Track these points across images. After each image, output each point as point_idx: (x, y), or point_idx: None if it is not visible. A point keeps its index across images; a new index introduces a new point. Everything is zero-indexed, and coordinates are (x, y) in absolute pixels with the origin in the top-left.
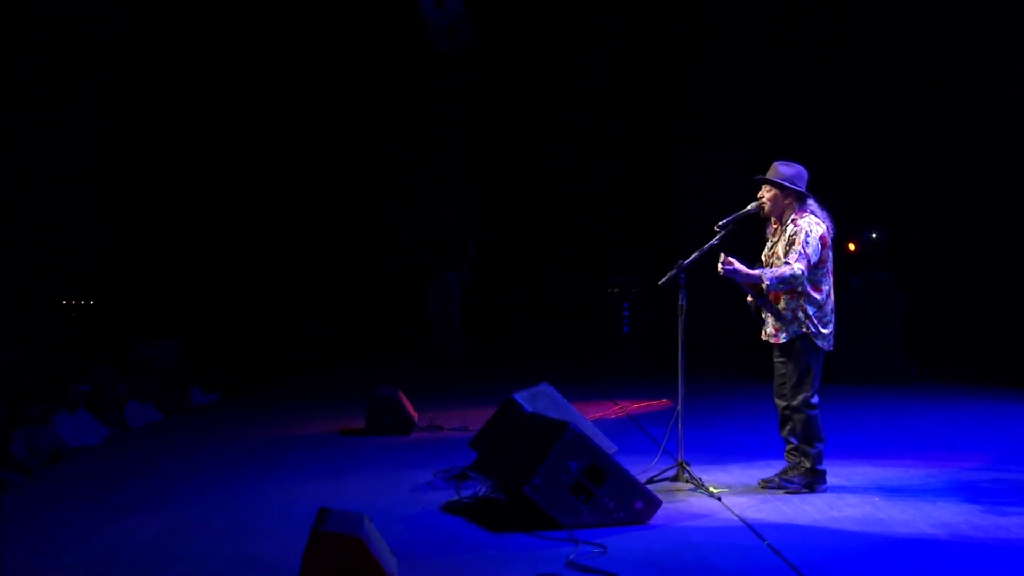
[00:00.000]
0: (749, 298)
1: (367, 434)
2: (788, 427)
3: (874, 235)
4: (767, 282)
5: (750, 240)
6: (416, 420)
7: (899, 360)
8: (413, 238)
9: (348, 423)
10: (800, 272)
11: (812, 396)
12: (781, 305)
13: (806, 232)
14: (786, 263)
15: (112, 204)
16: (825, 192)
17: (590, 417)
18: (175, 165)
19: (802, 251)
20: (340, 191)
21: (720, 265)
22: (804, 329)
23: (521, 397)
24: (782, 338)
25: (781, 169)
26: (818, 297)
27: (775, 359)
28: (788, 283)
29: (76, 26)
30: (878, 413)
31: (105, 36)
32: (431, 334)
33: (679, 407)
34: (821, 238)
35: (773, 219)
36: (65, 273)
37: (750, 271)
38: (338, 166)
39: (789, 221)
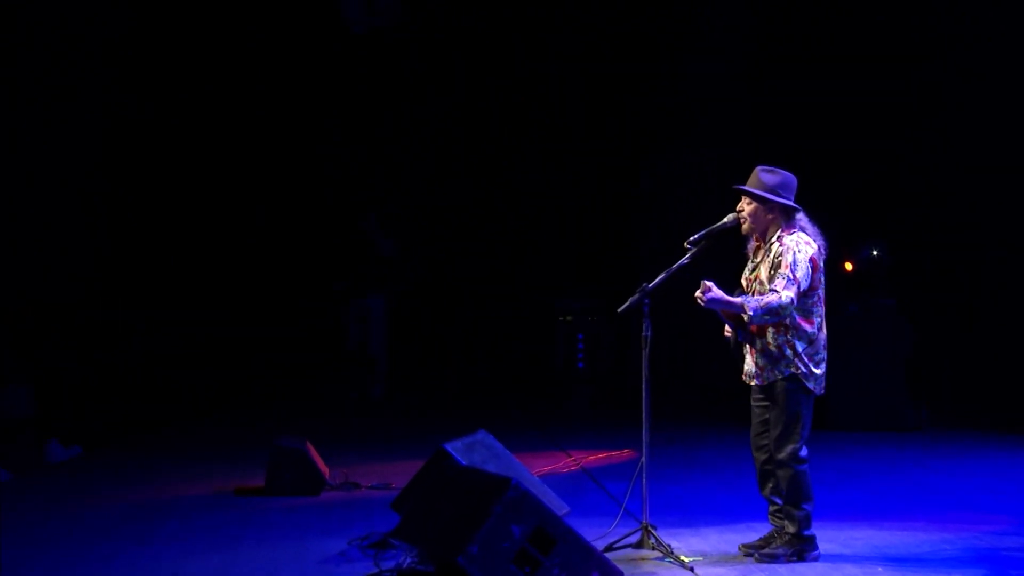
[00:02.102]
0: (728, 331)
1: (268, 494)
2: (770, 484)
3: (875, 252)
4: (750, 313)
5: (727, 257)
6: (327, 477)
7: (905, 402)
8: (326, 255)
9: (245, 481)
10: (789, 301)
11: (801, 448)
12: (767, 339)
13: (794, 253)
14: (772, 290)
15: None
16: (817, 202)
17: (537, 471)
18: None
19: (790, 275)
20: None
21: (699, 293)
22: (793, 369)
23: (454, 448)
24: (766, 379)
25: (764, 177)
26: (809, 330)
27: (755, 403)
28: (776, 314)
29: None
30: (881, 465)
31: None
32: (348, 372)
33: (643, 459)
34: (811, 260)
35: (755, 236)
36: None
37: (732, 299)
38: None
39: (774, 239)
